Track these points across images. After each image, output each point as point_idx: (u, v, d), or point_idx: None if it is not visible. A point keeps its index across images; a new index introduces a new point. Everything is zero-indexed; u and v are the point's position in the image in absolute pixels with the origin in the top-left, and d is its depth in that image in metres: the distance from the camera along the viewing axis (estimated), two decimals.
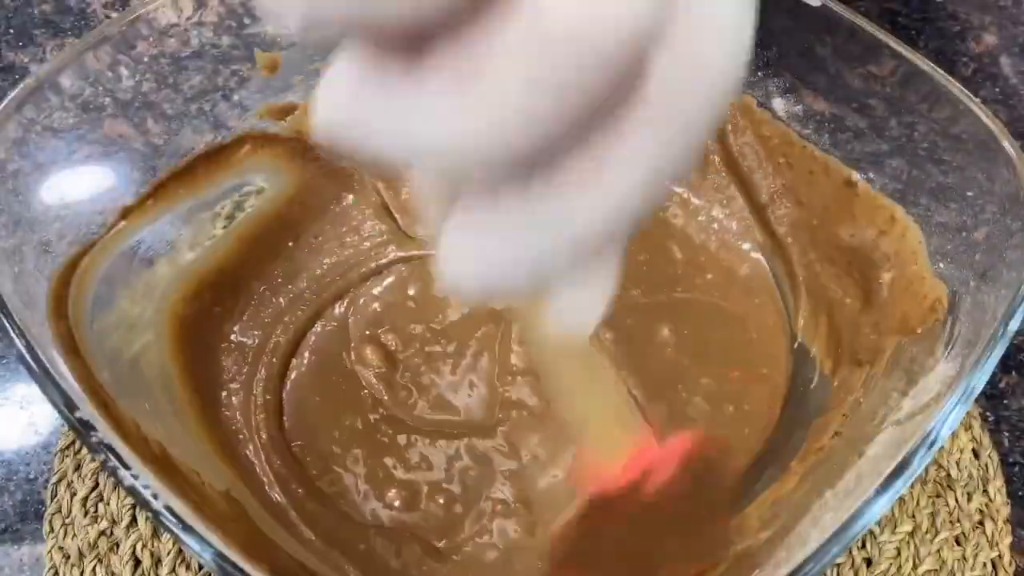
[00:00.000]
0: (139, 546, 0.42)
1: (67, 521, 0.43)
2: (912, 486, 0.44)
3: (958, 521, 0.43)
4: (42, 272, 0.37)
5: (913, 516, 0.44)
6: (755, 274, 0.49)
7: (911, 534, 0.43)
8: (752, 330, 0.47)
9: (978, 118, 0.37)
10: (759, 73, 0.46)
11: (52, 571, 0.42)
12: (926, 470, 0.45)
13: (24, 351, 0.32)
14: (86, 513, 0.43)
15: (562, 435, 0.43)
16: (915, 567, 0.42)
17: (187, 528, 0.28)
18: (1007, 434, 0.47)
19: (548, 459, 0.42)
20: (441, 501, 0.41)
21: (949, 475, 0.45)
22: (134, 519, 0.43)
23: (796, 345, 0.47)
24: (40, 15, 0.62)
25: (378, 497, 0.41)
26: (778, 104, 0.46)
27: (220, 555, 0.28)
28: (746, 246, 0.50)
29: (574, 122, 0.16)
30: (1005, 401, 0.48)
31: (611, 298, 0.23)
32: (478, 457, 0.42)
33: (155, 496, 0.29)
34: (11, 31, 0.60)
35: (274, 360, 0.46)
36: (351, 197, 0.51)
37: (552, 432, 0.43)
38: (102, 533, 0.42)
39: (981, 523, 0.44)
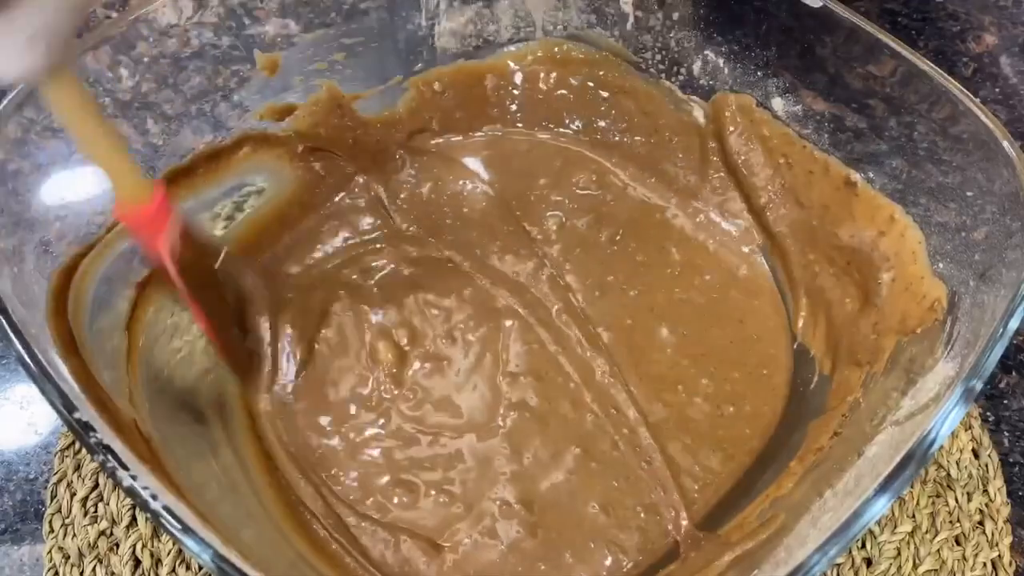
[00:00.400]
0: (139, 546, 0.42)
1: (67, 521, 0.43)
2: (912, 486, 0.44)
3: (958, 521, 0.43)
4: (42, 272, 0.37)
5: (913, 516, 0.44)
6: (755, 274, 0.49)
7: (911, 534, 0.43)
8: (752, 330, 0.47)
9: (978, 118, 0.37)
10: (759, 73, 0.46)
11: (52, 571, 0.42)
12: (926, 470, 0.45)
13: (23, 352, 0.32)
14: (86, 513, 0.43)
15: (564, 436, 0.43)
16: (915, 567, 0.42)
17: (186, 529, 0.28)
18: (1007, 434, 0.47)
19: (550, 460, 0.42)
20: (443, 500, 0.41)
21: (949, 475, 0.45)
22: (134, 519, 0.43)
23: (795, 345, 0.47)
24: None
25: (379, 493, 0.41)
26: (778, 104, 0.46)
27: (219, 555, 0.28)
28: (745, 247, 0.50)
29: None
30: (1005, 401, 0.48)
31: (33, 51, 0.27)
32: (480, 458, 0.42)
33: (154, 496, 0.29)
34: None
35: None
36: (347, 196, 0.51)
37: (554, 433, 0.43)
38: (102, 533, 0.42)
39: (981, 523, 0.44)
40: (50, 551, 0.42)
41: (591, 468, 0.42)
